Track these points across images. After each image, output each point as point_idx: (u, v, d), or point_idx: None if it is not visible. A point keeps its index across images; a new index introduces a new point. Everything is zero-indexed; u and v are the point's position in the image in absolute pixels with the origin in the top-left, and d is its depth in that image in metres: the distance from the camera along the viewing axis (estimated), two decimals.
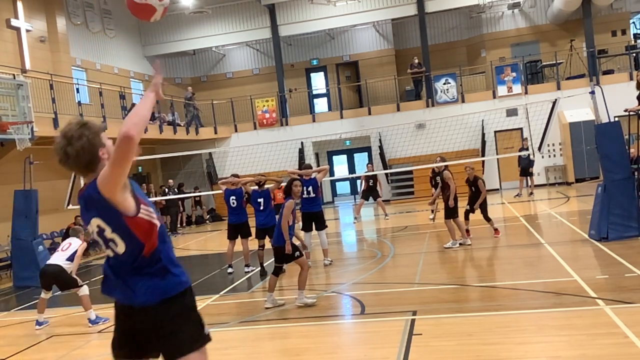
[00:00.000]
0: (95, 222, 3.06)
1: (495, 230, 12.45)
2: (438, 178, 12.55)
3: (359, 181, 19.85)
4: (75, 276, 8.92)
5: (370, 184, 18.12)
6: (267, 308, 8.27)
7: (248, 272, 11.29)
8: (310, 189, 11.11)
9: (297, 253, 8.29)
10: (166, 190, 21.58)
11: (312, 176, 11.29)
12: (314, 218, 11.19)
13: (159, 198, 21.26)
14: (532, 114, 13.82)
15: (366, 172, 18.41)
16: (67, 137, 3.17)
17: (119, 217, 3.01)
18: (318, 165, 26.28)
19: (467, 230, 12.10)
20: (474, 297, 8.01)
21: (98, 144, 3.34)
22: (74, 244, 8.98)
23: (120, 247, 3.07)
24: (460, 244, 11.72)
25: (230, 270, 11.39)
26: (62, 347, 7.71)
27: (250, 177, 12.13)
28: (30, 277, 12.84)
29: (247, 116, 25.82)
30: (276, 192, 16.72)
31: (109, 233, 3.05)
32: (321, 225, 11.21)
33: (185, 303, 3.20)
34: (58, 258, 8.86)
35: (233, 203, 11.33)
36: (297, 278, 8.32)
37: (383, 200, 19.16)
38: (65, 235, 17.38)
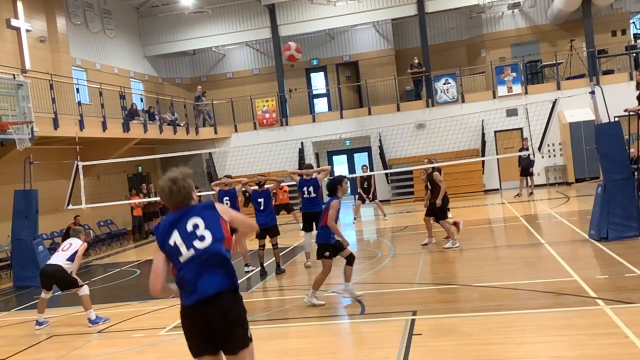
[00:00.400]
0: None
1: (446, 238, 12.18)
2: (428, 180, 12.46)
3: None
4: (75, 276, 8.93)
5: (365, 186, 18.26)
6: (343, 296, 8.39)
7: (248, 271, 11.30)
8: (311, 188, 11.10)
9: (327, 253, 8.18)
10: None
11: (313, 176, 11.29)
12: (314, 218, 11.17)
13: (159, 198, 21.26)
14: (532, 114, 13.82)
15: (362, 173, 18.62)
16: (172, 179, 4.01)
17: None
18: (318, 166, 26.32)
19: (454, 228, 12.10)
20: (474, 297, 8.01)
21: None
22: (75, 244, 8.98)
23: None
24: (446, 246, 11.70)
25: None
26: (62, 347, 7.71)
27: (245, 177, 12.16)
28: (30, 277, 12.85)
29: (247, 116, 25.82)
30: (278, 192, 16.74)
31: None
32: None
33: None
34: (58, 258, 8.86)
35: (226, 204, 11.29)
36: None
37: (382, 201, 19.19)
38: (66, 235, 17.38)
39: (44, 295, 8.92)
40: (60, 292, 9.60)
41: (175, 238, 3.83)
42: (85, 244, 9.19)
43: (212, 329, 3.72)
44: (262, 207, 10.90)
